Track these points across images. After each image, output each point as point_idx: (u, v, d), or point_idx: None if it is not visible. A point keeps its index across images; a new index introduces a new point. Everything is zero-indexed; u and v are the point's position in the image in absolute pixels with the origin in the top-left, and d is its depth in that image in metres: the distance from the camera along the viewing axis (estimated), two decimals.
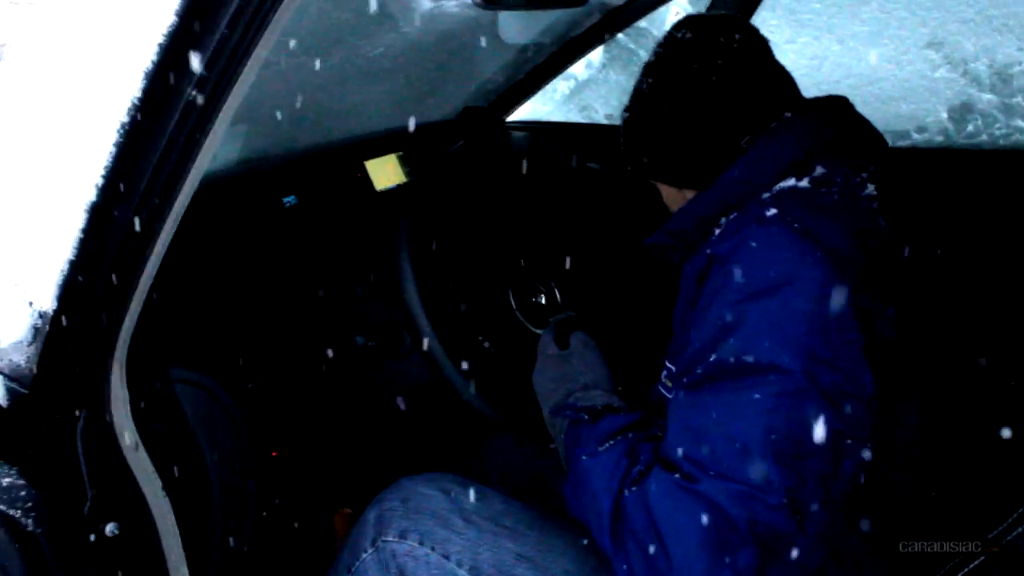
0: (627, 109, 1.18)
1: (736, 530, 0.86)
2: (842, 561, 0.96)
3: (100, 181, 0.85)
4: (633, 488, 0.95)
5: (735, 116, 1.07)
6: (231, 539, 1.15)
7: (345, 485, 1.67)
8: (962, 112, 2.10)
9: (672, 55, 1.12)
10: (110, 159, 0.84)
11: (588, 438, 1.05)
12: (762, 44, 1.11)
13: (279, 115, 1.68)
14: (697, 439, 0.91)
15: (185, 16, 0.76)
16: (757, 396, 0.88)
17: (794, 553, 0.87)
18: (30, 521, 0.80)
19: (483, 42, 2.02)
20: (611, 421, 1.06)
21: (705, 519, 0.87)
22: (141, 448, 1.05)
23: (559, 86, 2.66)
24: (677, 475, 0.91)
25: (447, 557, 1.13)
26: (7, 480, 0.83)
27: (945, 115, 2.08)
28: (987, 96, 2.10)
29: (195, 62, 0.79)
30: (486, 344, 1.31)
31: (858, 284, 0.91)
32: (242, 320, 1.37)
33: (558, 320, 1.28)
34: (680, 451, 0.91)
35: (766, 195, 1.01)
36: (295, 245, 1.52)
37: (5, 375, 0.98)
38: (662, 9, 2.04)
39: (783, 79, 1.12)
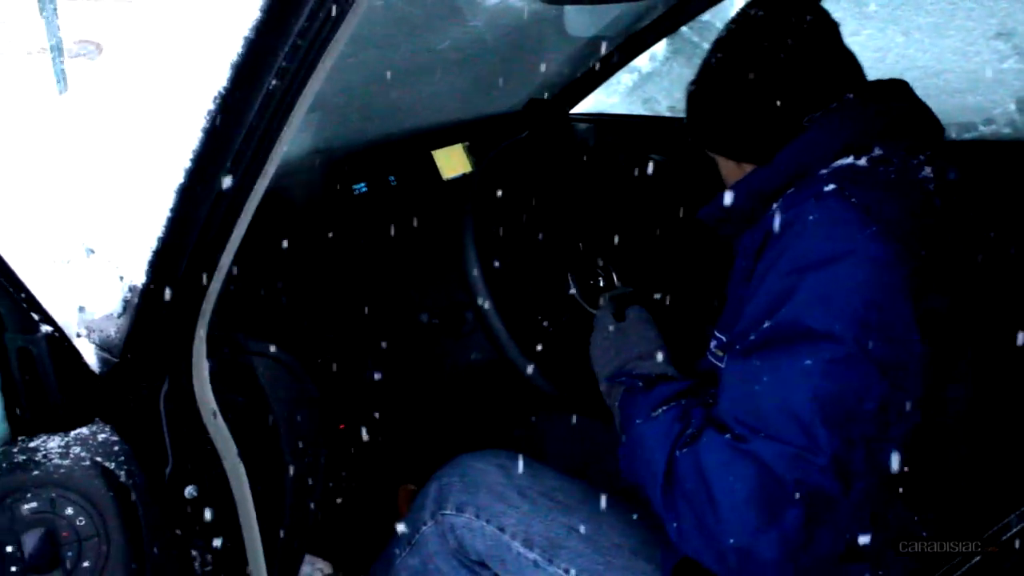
0: (694, 82, 1.21)
1: (784, 490, 0.89)
2: (885, 527, 0.98)
3: (189, 165, 0.92)
4: (685, 449, 0.99)
5: (799, 94, 1.09)
6: (301, 507, 1.22)
7: (407, 461, 1.74)
8: None
9: (743, 31, 1.14)
10: (198, 145, 0.90)
11: (642, 404, 1.09)
12: (832, 27, 1.13)
13: (350, 106, 1.76)
14: (748, 402, 0.95)
15: (269, 11, 0.83)
16: (808, 362, 0.91)
17: (839, 515, 0.90)
18: (122, 473, 0.88)
19: (548, 35, 2.06)
20: (665, 388, 1.10)
21: (754, 478, 0.90)
22: (219, 416, 1.12)
23: (623, 79, 2.68)
24: (728, 436, 0.95)
25: (502, 529, 1.19)
26: (103, 436, 0.90)
27: (1014, 107, 2.05)
28: None
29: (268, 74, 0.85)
30: (545, 324, 1.36)
31: (912, 259, 0.93)
32: (313, 298, 1.44)
33: (615, 295, 1.32)
34: (732, 413, 0.96)
35: (823, 171, 1.04)
36: (364, 230, 1.59)
37: (97, 345, 1.06)
38: (726, 3, 2.06)
39: (848, 62, 1.14)
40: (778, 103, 1.10)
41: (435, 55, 1.78)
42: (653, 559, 1.14)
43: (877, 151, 1.04)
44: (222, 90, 0.88)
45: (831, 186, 0.98)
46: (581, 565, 1.14)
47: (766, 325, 0.95)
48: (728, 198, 1.13)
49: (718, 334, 1.12)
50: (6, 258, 0.88)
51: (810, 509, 0.89)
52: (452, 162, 1.89)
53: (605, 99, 2.59)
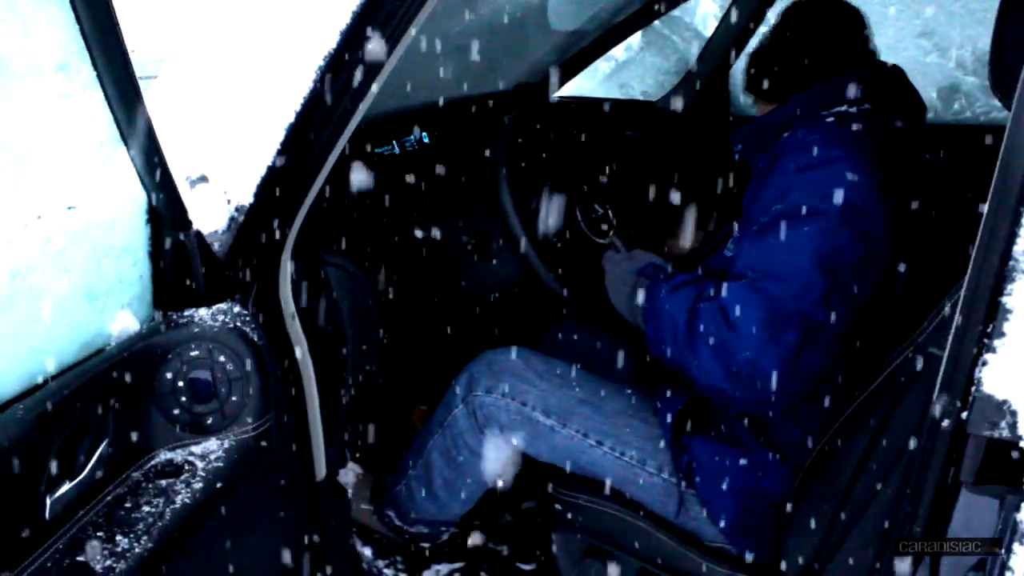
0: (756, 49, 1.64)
1: (787, 316, 1.24)
2: (851, 363, 1.34)
3: (299, 108, 1.20)
4: (704, 303, 1.32)
5: (821, 60, 1.49)
6: (357, 395, 1.50)
7: (419, 384, 2.04)
8: (949, 92, 2.40)
9: (791, 16, 1.56)
10: (308, 92, 1.19)
11: (663, 288, 1.41)
12: (857, 19, 1.54)
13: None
14: (762, 258, 1.30)
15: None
16: (806, 229, 1.27)
17: (823, 339, 1.26)
18: (255, 336, 1.16)
19: (535, 28, 2.35)
20: (682, 276, 1.44)
21: (766, 307, 1.25)
22: (296, 318, 1.39)
23: (600, 66, 2.94)
24: (745, 280, 1.29)
25: (524, 404, 1.49)
26: (236, 309, 1.19)
27: (935, 95, 2.39)
28: (970, 79, 2.41)
29: (370, 31, 1.15)
30: (558, 245, 1.69)
31: (883, 169, 1.32)
32: (373, 221, 1.75)
33: (615, 239, 1.64)
34: (747, 265, 1.31)
35: (825, 113, 1.42)
36: (403, 179, 1.90)
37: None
38: (692, 1, 2.37)
39: (862, 47, 1.53)
40: (805, 61, 1.49)
41: (447, 40, 2.06)
42: (646, 420, 1.45)
43: (866, 105, 1.42)
44: (330, 53, 1.16)
45: (831, 119, 1.39)
46: (589, 426, 1.45)
47: (776, 208, 1.32)
48: (753, 124, 1.53)
49: (736, 232, 1.47)
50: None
51: (804, 332, 1.24)
52: None
53: (585, 84, 2.87)
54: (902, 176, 1.37)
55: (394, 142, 1.94)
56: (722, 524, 1.36)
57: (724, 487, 1.35)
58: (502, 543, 1.95)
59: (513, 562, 1.90)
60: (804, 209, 1.28)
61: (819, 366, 1.28)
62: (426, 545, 1.85)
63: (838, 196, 1.27)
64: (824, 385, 1.32)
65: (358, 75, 1.19)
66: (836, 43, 1.50)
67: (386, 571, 1.86)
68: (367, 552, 1.87)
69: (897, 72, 1.52)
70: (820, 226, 1.27)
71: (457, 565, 1.89)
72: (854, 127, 1.37)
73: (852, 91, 1.42)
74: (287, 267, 1.34)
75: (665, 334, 1.36)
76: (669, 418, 1.38)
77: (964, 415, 0.84)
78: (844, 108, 1.42)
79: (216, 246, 1.28)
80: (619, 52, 2.88)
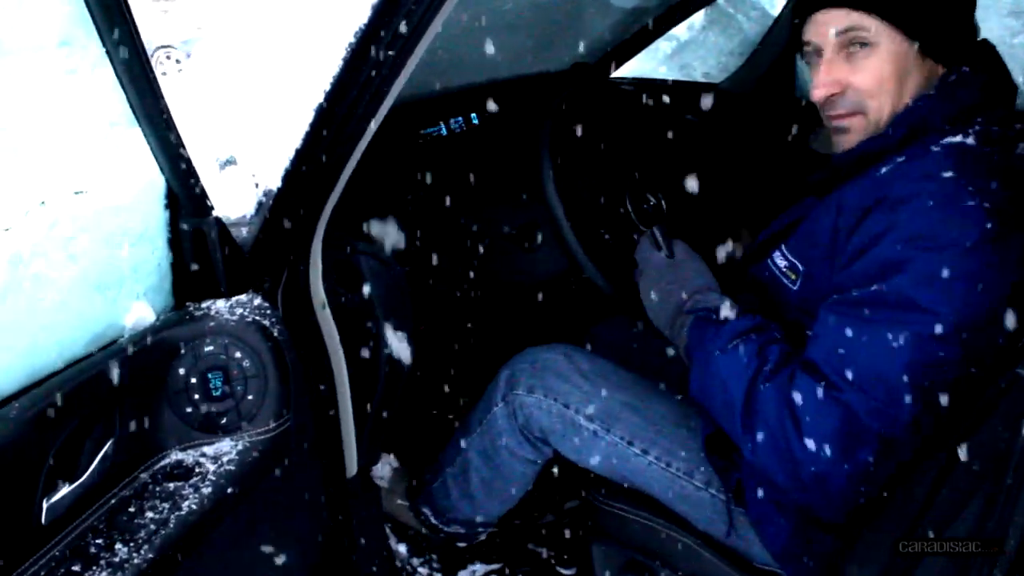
0: None
1: (865, 434, 1.05)
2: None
3: (328, 87, 1.13)
4: (768, 384, 1.14)
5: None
6: (391, 388, 1.43)
7: (468, 374, 1.96)
8: None
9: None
10: (338, 71, 1.11)
11: (716, 335, 1.22)
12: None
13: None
14: (845, 356, 1.07)
15: None
16: (907, 332, 1.03)
17: (903, 451, 1.07)
18: (275, 330, 1.10)
19: (593, 3, 2.25)
20: (738, 323, 1.23)
21: (842, 421, 1.06)
22: (327, 308, 1.33)
23: (661, 46, 2.84)
24: (823, 383, 1.08)
25: (567, 406, 1.41)
26: (257, 301, 1.12)
27: (1022, 79, 2.23)
28: None
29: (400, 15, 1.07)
30: (606, 236, 1.58)
31: (1016, 245, 1.04)
32: (413, 211, 1.68)
33: (655, 230, 1.47)
34: (827, 362, 1.09)
35: (936, 148, 1.12)
36: (451, 163, 1.82)
37: None
38: None
39: (970, 33, 1.21)
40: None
41: (498, 15, 1.97)
42: (695, 429, 1.35)
43: (978, 125, 1.13)
44: (362, 28, 1.09)
45: (950, 173, 1.06)
46: (633, 432, 1.36)
47: (874, 288, 1.07)
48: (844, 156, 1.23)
49: (789, 255, 1.27)
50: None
51: (880, 451, 1.06)
52: None
53: (644, 64, 2.76)
54: None
55: (441, 123, 1.86)
56: (774, 547, 1.26)
57: (777, 509, 1.24)
58: (542, 545, 1.87)
59: (553, 566, 1.83)
60: (908, 302, 1.04)
61: (894, 470, 1.10)
62: (463, 544, 1.78)
63: (955, 295, 1.02)
64: None
65: (391, 54, 1.11)
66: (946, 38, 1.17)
67: (420, 569, 1.80)
68: (401, 549, 1.81)
69: (994, 56, 1.21)
70: (923, 331, 1.03)
71: (494, 567, 1.82)
72: (979, 181, 1.05)
73: (961, 108, 1.13)
74: (318, 255, 1.28)
75: (715, 398, 1.21)
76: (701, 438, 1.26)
77: None
78: (958, 140, 1.12)
79: (244, 232, 1.23)
80: (681, 31, 2.76)
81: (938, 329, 1.02)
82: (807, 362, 1.13)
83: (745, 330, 1.22)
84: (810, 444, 1.08)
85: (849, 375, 1.07)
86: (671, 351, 1.42)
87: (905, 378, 1.03)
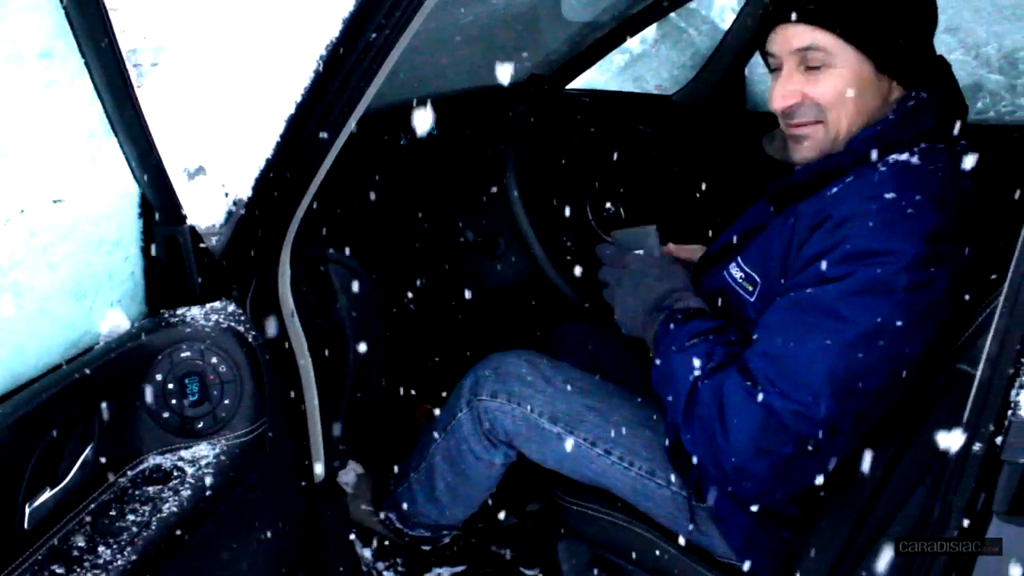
0: None
1: (784, 432, 1.11)
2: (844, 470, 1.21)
3: (298, 98, 1.15)
4: (707, 381, 1.20)
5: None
6: (358, 394, 1.46)
7: (425, 384, 1.99)
8: (973, 91, 2.33)
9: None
10: (309, 84, 1.14)
11: (678, 335, 1.28)
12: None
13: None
14: (773, 361, 1.14)
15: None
16: (829, 342, 1.09)
17: (819, 456, 1.13)
18: (251, 336, 1.12)
19: (548, 18, 2.29)
20: (698, 324, 1.28)
21: (763, 419, 1.12)
22: (296, 316, 1.35)
23: (615, 59, 2.88)
24: (749, 383, 1.15)
25: (531, 410, 1.44)
26: (231, 308, 1.14)
27: None
28: (995, 77, 2.34)
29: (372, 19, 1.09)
30: (568, 243, 1.63)
31: (947, 264, 1.10)
32: (377, 219, 1.70)
33: (633, 230, 1.50)
34: (758, 367, 1.16)
35: (882, 168, 1.16)
36: (415, 171, 1.84)
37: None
38: None
39: (930, 58, 1.25)
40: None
41: (458, 28, 2.01)
42: (656, 429, 1.40)
43: (924, 143, 1.18)
44: (333, 41, 1.11)
45: (891, 195, 1.11)
46: (596, 434, 1.40)
47: (807, 292, 1.14)
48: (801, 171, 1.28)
49: (745, 267, 1.32)
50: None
51: (798, 448, 1.12)
52: None
53: (598, 76, 2.82)
54: (974, 249, 1.14)
55: (402, 133, 1.89)
56: (734, 541, 1.31)
57: (735, 504, 1.29)
58: (505, 546, 1.91)
59: (516, 567, 1.86)
60: (831, 308, 1.11)
61: (816, 474, 1.17)
62: (427, 547, 1.81)
63: (876, 307, 1.09)
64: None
65: (361, 66, 1.14)
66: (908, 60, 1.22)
67: (386, 573, 1.82)
68: (367, 554, 1.83)
69: (947, 75, 1.26)
70: (842, 338, 1.10)
71: (459, 568, 1.85)
72: (918, 202, 1.10)
73: (914, 132, 1.19)
74: (287, 263, 1.30)
75: (666, 392, 1.27)
76: (667, 442, 1.31)
77: (998, 440, 0.79)
78: (904, 158, 1.17)
79: (214, 241, 1.24)
80: (634, 44, 2.82)
81: (856, 338, 1.09)
82: (742, 363, 1.19)
83: (703, 331, 1.27)
84: (733, 439, 1.15)
85: (774, 377, 1.13)
86: (633, 357, 1.47)
87: (825, 383, 1.09)
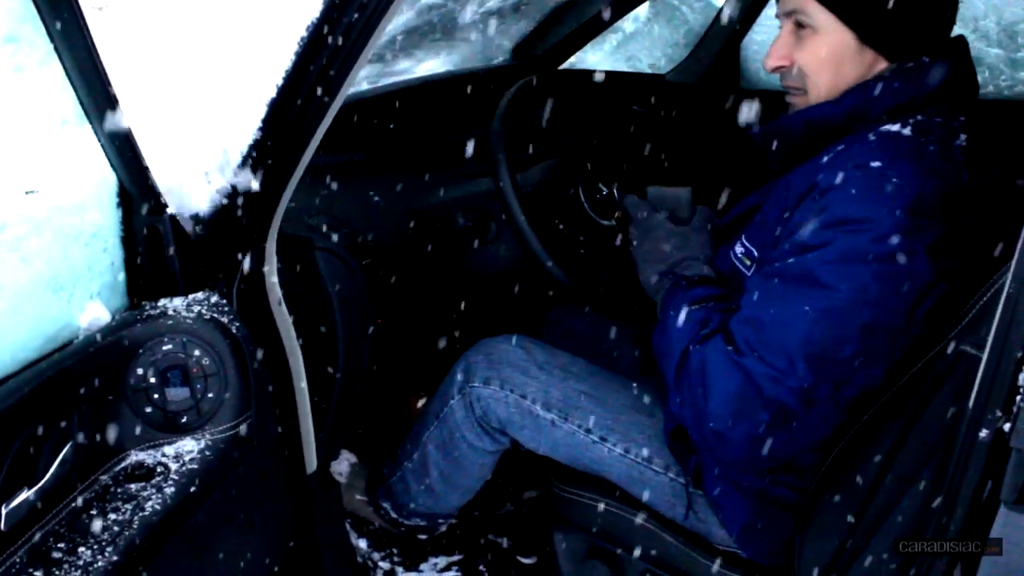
0: None
1: (760, 397, 1.12)
2: (826, 453, 1.22)
3: (280, 82, 1.12)
4: (698, 345, 1.20)
5: (890, 43, 1.19)
6: (349, 383, 1.43)
7: (418, 374, 1.97)
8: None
9: None
10: (290, 66, 1.10)
11: (682, 299, 1.27)
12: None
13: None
14: (753, 326, 1.15)
15: None
16: (807, 308, 1.10)
17: (795, 425, 1.14)
18: (234, 327, 1.09)
19: None
20: (702, 291, 1.28)
21: (740, 383, 1.13)
22: (283, 304, 1.32)
23: (608, 38, 2.84)
24: (731, 348, 1.16)
25: (524, 396, 1.41)
26: (214, 299, 1.11)
27: None
28: (994, 51, 2.31)
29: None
30: (560, 227, 1.60)
31: (928, 238, 1.09)
32: (367, 204, 1.67)
33: (667, 191, 1.44)
34: (739, 332, 1.16)
35: (872, 137, 1.16)
36: (405, 157, 1.81)
37: None
38: None
39: (942, 21, 1.20)
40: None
41: (450, 7, 1.98)
42: (652, 415, 1.37)
43: (920, 115, 1.16)
44: (314, 21, 1.08)
45: (877, 163, 1.10)
46: (591, 420, 1.38)
47: (791, 261, 1.13)
48: (777, 124, 1.27)
49: (747, 243, 1.30)
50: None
51: (775, 416, 1.12)
52: None
53: (591, 56, 2.77)
54: (962, 223, 1.13)
55: (392, 117, 1.85)
56: (732, 528, 1.29)
57: (735, 490, 1.27)
58: (502, 535, 1.89)
59: (513, 555, 1.84)
60: (811, 278, 1.11)
61: (794, 447, 1.17)
62: (423, 537, 1.79)
63: (857, 275, 1.08)
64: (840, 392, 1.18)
65: (344, 46, 1.10)
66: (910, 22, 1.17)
67: (382, 563, 1.80)
68: (362, 544, 1.81)
69: (962, 51, 1.21)
70: (819, 305, 1.10)
71: (456, 557, 1.83)
72: (904, 174, 1.09)
73: (911, 96, 1.16)
74: (272, 251, 1.27)
75: (663, 355, 1.27)
76: (668, 427, 1.29)
77: (1006, 427, 0.76)
78: (895, 128, 1.15)
79: (197, 229, 1.21)
80: (626, 23, 2.77)
81: (834, 305, 1.09)
82: (727, 329, 1.19)
83: (704, 298, 1.27)
84: (712, 404, 1.16)
85: (753, 342, 1.14)
86: (628, 342, 1.44)
87: (801, 349, 1.10)
